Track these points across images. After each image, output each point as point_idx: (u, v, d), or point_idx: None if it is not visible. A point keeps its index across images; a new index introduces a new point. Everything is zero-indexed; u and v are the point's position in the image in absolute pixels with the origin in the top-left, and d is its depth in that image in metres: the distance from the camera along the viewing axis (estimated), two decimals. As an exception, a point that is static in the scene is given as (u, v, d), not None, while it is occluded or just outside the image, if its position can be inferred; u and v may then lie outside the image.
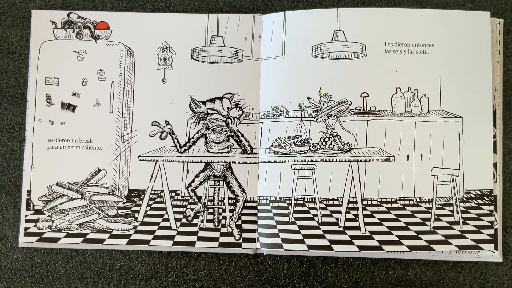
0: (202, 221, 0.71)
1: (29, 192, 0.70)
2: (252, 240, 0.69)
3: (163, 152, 0.72)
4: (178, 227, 0.71)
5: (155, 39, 0.73)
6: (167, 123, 0.72)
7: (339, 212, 0.70)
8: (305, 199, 0.70)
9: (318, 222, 0.69)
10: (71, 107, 0.72)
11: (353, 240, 0.68)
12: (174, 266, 0.72)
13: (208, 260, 0.72)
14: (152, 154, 0.72)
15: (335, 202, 0.70)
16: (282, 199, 0.70)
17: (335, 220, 0.70)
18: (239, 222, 0.70)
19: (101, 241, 0.70)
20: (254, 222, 0.70)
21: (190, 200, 0.72)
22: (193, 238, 0.70)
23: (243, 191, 0.71)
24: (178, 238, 0.70)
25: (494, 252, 0.68)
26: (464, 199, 0.69)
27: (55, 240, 0.70)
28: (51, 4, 0.75)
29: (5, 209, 0.72)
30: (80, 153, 0.71)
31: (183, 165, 0.73)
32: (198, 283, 0.71)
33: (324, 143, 0.71)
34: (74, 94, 0.72)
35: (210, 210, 0.72)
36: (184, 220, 0.71)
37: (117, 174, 0.72)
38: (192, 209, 0.71)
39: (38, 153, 0.71)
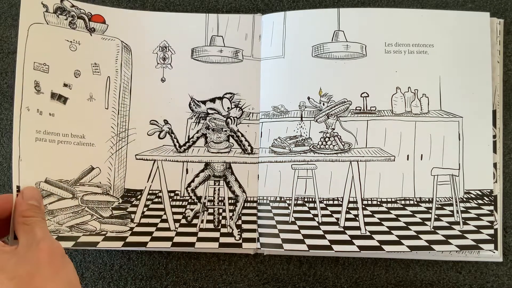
0: (202, 221, 0.70)
1: (18, 188, 0.63)
2: (252, 240, 0.69)
3: (161, 152, 0.71)
4: (177, 228, 0.70)
5: (154, 37, 0.72)
6: (166, 122, 0.71)
7: (339, 212, 0.70)
8: (305, 199, 0.70)
9: (318, 222, 0.69)
10: (62, 99, 0.68)
11: (353, 240, 0.68)
12: (174, 266, 0.72)
13: (208, 260, 0.72)
14: (150, 153, 0.71)
15: (335, 202, 0.70)
16: (282, 199, 0.70)
17: (335, 220, 0.70)
18: (239, 222, 0.70)
19: (94, 244, 0.67)
20: (254, 222, 0.70)
21: (189, 200, 0.71)
22: (192, 239, 0.69)
23: (243, 191, 0.71)
24: (177, 239, 0.69)
25: (494, 252, 0.68)
26: (464, 199, 0.69)
27: None
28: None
29: (5, 209, 0.72)
30: (71, 149, 0.67)
31: (183, 165, 0.72)
32: (198, 283, 0.71)
33: (324, 143, 0.71)
34: (65, 85, 0.68)
35: (210, 210, 0.71)
36: (183, 221, 0.70)
37: (112, 173, 0.70)
38: (192, 210, 0.71)
39: (25, 144, 0.64)
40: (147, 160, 0.71)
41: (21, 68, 0.65)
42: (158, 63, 0.72)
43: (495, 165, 0.70)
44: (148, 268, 0.72)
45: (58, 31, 0.68)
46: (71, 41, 0.68)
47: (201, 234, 0.69)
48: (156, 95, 0.72)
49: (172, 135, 0.71)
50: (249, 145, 0.72)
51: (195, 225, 0.70)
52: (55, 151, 0.66)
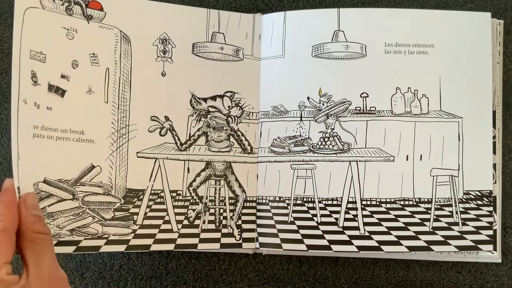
0: (204, 222, 0.69)
1: (18, 190, 0.57)
2: (251, 240, 0.69)
3: (163, 149, 0.69)
4: (179, 229, 0.68)
5: (154, 28, 0.69)
6: (167, 118, 0.69)
7: (338, 212, 0.70)
8: (304, 199, 0.70)
9: (317, 222, 0.69)
10: (59, 91, 0.62)
11: (352, 240, 0.68)
12: (174, 266, 0.72)
13: (208, 260, 0.72)
14: (151, 150, 0.68)
15: (334, 202, 0.70)
16: (281, 199, 0.70)
17: (334, 220, 0.70)
18: (239, 222, 0.70)
19: (96, 248, 0.64)
20: (253, 222, 0.70)
21: (191, 201, 0.70)
22: (195, 240, 0.68)
23: (243, 191, 0.71)
24: (180, 240, 0.67)
25: (493, 253, 0.68)
26: (464, 200, 0.69)
27: None
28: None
29: (5, 209, 0.72)
30: (70, 146, 0.62)
31: (184, 164, 0.70)
32: (198, 283, 0.72)
33: (323, 143, 0.71)
34: (63, 76, 0.62)
35: (211, 211, 0.70)
36: (185, 222, 0.69)
37: (113, 172, 0.66)
38: (194, 210, 0.70)
39: (23, 141, 0.58)
40: (148, 158, 0.68)
41: (17, 57, 0.59)
42: (158, 56, 0.69)
43: (494, 166, 0.70)
44: (148, 268, 0.72)
45: (54, 17, 0.62)
46: (68, 29, 0.63)
47: (203, 235, 0.68)
48: (157, 90, 0.69)
49: (173, 132, 0.69)
50: (249, 144, 0.71)
51: (197, 226, 0.69)
52: (54, 148, 0.61)
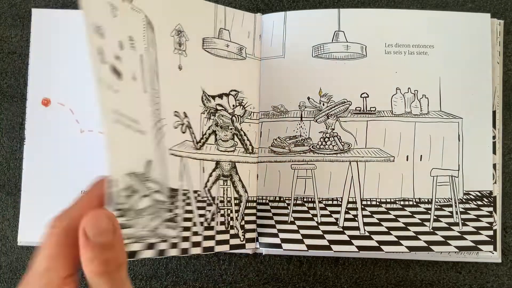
0: (217, 223, 0.67)
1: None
2: (252, 240, 0.69)
3: (185, 147, 0.65)
4: (202, 232, 0.64)
5: (170, 18, 0.64)
6: (185, 115, 0.66)
7: (338, 212, 0.70)
8: (305, 199, 0.70)
9: (317, 222, 0.69)
10: (117, 73, 0.52)
11: (352, 240, 0.68)
12: (174, 266, 0.72)
13: (208, 260, 0.72)
14: (178, 148, 0.63)
15: (335, 202, 0.70)
16: (282, 199, 0.70)
17: (334, 220, 0.70)
18: (243, 222, 0.70)
19: (162, 252, 0.57)
20: (254, 222, 0.70)
21: (207, 201, 0.68)
22: (211, 243, 0.66)
23: (246, 191, 0.71)
24: (205, 243, 0.64)
25: (493, 253, 0.68)
26: (464, 200, 0.69)
27: None
28: (51, 4, 0.74)
29: (5, 209, 0.72)
30: (133, 135, 0.53)
31: (200, 163, 0.67)
32: (198, 283, 0.72)
33: (323, 143, 0.71)
34: (116, 57, 0.51)
35: (222, 212, 0.69)
36: (205, 224, 0.66)
37: (159, 168, 0.59)
38: (209, 211, 0.67)
39: (107, 127, 0.48)
40: (177, 156, 0.63)
41: (89, 30, 0.48)
42: (175, 48, 0.65)
43: (494, 166, 0.70)
44: (148, 268, 0.72)
45: None
46: (111, 5, 0.53)
47: (218, 237, 0.67)
48: (176, 84, 0.64)
49: (191, 129, 0.66)
50: (250, 144, 0.71)
51: (212, 228, 0.67)
52: (126, 136, 0.51)
